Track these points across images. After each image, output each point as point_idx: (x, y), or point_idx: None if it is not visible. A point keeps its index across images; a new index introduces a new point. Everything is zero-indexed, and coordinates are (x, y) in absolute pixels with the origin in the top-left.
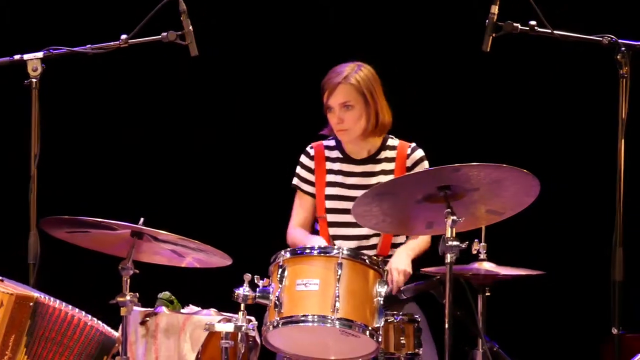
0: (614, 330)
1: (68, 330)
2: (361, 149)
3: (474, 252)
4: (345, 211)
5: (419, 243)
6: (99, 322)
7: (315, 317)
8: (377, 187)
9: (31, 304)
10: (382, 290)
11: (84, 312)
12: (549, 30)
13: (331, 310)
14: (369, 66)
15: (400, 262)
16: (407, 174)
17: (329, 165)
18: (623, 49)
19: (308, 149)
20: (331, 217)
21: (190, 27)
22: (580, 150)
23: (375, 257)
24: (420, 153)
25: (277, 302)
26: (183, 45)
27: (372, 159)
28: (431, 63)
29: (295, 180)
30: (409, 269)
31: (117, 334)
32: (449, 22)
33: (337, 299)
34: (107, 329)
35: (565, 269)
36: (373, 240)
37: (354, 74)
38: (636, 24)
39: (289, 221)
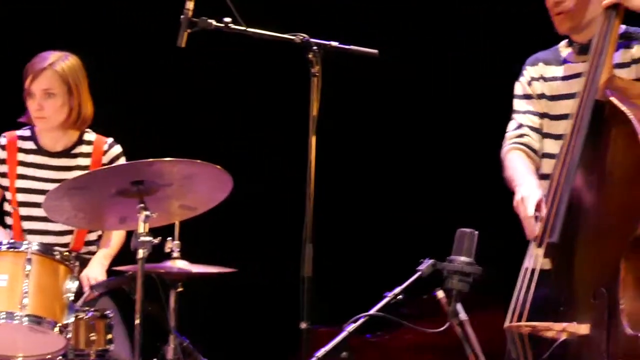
0: (303, 325)
1: None
2: (57, 141)
3: (167, 250)
4: (38, 205)
5: (113, 247)
6: None
7: (3, 313)
8: (69, 181)
9: None
10: (73, 286)
11: None
12: (243, 28)
13: (19, 306)
14: (75, 56)
15: (96, 272)
16: (100, 168)
17: (22, 156)
18: (315, 48)
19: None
20: (23, 211)
21: None
22: (274, 146)
23: (67, 253)
24: (117, 149)
25: None
26: None
27: (68, 153)
28: (129, 56)
29: None
30: (104, 277)
31: None
32: (146, 16)
33: (25, 295)
34: None
35: (257, 265)
36: (67, 236)
37: (61, 61)
38: (329, 23)
39: None
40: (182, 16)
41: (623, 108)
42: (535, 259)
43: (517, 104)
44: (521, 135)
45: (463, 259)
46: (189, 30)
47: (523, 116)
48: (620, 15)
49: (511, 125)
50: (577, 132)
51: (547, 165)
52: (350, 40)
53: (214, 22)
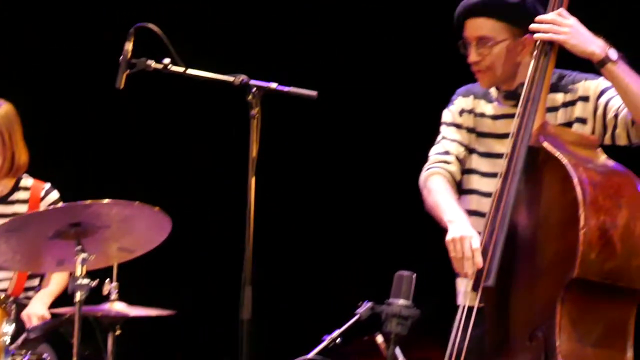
0: None
1: None
2: None
3: (105, 292)
4: None
5: (55, 286)
6: None
7: None
8: (6, 223)
9: None
10: (9, 329)
11: None
12: (182, 69)
13: None
14: (10, 104)
15: (38, 308)
16: (37, 210)
17: None
18: (254, 89)
19: None
20: None
21: None
22: (214, 188)
23: (2, 296)
24: (54, 195)
25: None
26: None
27: (5, 200)
28: (66, 97)
29: None
30: (47, 314)
31: None
32: (83, 58)
33: None
34: None
35: (196, 308)
36: (4, 282)
37: None
38: (267, 65)
39: None
40: (120, 57)
41: (557, 154)
42: (470, 299)
43: (446, 131)
44: (447, 162)
45: (401, 302)
46: (127, 72)
47: (451, 144)
48: (554, 56)
49: (437, 148)
50: (512, 177)
51: (474, 202)
52: (290, 81)
53: (152, 63)
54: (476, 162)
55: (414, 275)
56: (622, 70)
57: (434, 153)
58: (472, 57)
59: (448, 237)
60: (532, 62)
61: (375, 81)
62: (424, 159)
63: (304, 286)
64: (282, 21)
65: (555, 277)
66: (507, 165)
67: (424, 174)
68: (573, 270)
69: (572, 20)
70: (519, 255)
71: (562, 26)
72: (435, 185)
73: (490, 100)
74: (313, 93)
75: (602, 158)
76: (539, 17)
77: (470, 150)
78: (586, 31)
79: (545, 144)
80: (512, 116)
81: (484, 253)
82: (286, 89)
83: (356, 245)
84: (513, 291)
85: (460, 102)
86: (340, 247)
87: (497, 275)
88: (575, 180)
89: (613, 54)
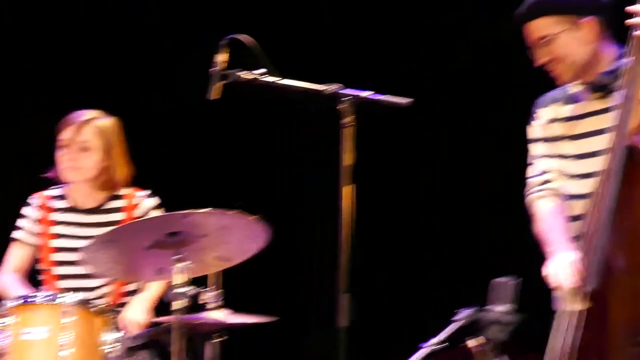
0: None
1: None
2: (87, 198)
3: (201, 302)
4: (74, 263)
5: (153, 293)
6: None
7: None
8: (104, 234)
9: None
10: (110, 338)
11: None
12: (273, 80)
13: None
14: (115, 119)
15: (137, 315)
16: (134, 220)
17: (56, 216)
18: (346, 98)
19: (31, 199)
20: (59, 270)
21: None
22: (308, 197)
23: (103, 306)
24: (150, 202)
25: (1, 351)
26: None
27: (100, 209)
28: (160, 110)
29: (17, 233)
30: (146, 321)
31: None
32: (175, 70)
33: (63, 347)
34: None
35: (297, 315)
36: (103, 291)
37: (101, 119)
38: (360, 74)
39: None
40: (212, 69)
41: None
42: (571, 304)
43: (535, 149)
44: (546, 182)
45: (500, 308)
46: (219, 83)
47: (544, 161)
48: None
49: (532, 170)
50: (609, 181)
51: (576, 207)
52: (385, 88)
53: (244, 75)
54: (572, 166)
55: (513, 282)
56: None
57: (531, 175)
58: (540, 59)
59: (545, 271)
60: (629, 60)
61: (471, 85)
62: (522, 159)
63: (401, 293)
64: (374, 29)
65: None
66: (603, 171)
67: (528, 199)
68: None
69: None
70: (617, 257)
71: None
72: (538, 212)
73: (571, 101)
74: (407, 101)
75: None
76: (631, 8)
77: (563, 157)
78: None
79: None
80: (599, 112)
81: (587, 254)
82: (378, 97)
83: (454, 251)
84: (613, 294)
85: (543, 113)
86: (437, 253)
87: (598, 278)
88: None
89: None
